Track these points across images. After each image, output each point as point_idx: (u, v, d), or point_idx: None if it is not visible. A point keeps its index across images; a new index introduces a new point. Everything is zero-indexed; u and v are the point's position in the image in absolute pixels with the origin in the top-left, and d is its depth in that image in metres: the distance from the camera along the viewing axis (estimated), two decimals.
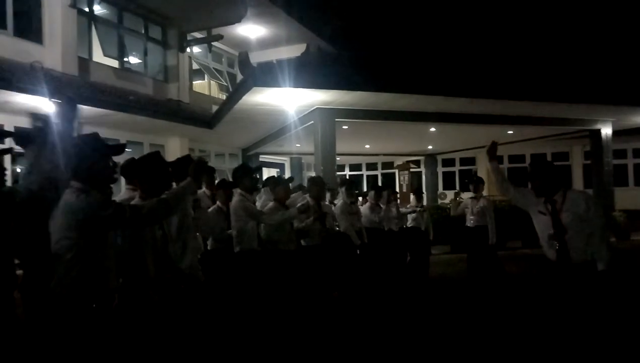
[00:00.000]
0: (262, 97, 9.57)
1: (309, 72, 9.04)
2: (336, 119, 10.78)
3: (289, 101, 9.95)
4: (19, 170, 8.88)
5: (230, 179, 5.47)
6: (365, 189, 17.73)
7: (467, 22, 20.76)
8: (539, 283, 4.41)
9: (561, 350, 3.51)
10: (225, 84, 16.95)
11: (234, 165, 13.90)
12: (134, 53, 13.77)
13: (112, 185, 2.88)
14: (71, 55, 11.08)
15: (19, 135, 2.50)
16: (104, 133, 5.17)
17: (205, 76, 16.81)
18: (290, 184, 6.50)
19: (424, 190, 17.10)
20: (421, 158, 21.69)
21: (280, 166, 20.17)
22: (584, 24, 19.18)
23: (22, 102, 8.82)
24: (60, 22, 10.82)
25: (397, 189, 14.73)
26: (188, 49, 14.91)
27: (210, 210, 5.15)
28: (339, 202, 7.11)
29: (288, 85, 8.54)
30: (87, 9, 12.08)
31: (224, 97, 14.54)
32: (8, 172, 2.49)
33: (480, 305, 6.20)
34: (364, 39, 19.00)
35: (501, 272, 7.42)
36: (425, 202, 9.14)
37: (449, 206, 8.81)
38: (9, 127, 9.03)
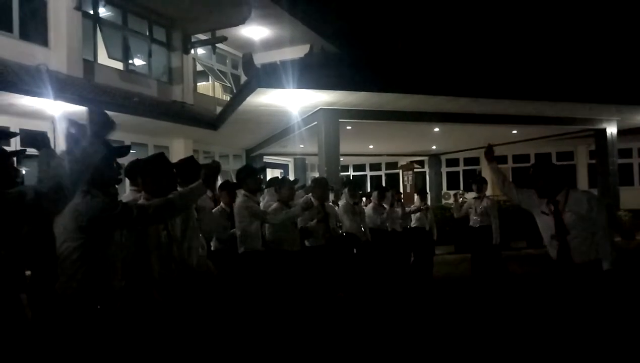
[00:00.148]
0: (266, 98, 9.59)
1: (313, 73, 9.06)
2: (340, 120, 10.79)
3: (293, 102, 9.97)
4: (24, 171, 8.93)
5: (234, 180, 5.48)
6: (369, 190, 17.72)
7: (470, 21, 20.72)
8: (541, 283, 4.41)
9: (564, 349, 3.51)
10: (229, 85, 16.99)
11: (238, 166, 13.95)
12: (138, 55, 13.83)
13: (116, 186, 2.90)
14: (76, 57, 11.16)
15: (25, 137, 2.52)
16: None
17: (210, 78, 16.86)
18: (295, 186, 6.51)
19: (427, 190, 17.10)
20: (425, 158, 21.66)
21: (284, 167, 20.20)
22: (588, 23, 19.11)
23: (28, 105, 8.88)
24: (65, 25, 10.89)
25: (401, 189, 14.71)
26: (192, 51, 14.97)
27: (213, 211, 5.16)
28: (342, 202, 7.13)
29: (292, 86, 8.56)
30: (91, 12, 12.14)
31: (228, 99, 14.56)
32: (22, 173, 2.50)
33: (484, 305, 6.20)
34: (368, 39, 18.99)
35: (505, 272, 7.41)
36: (429, 202, 9.13)
37: (452, 206, 8.79)
38: (14, 130, 9.09)
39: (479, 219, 7.35)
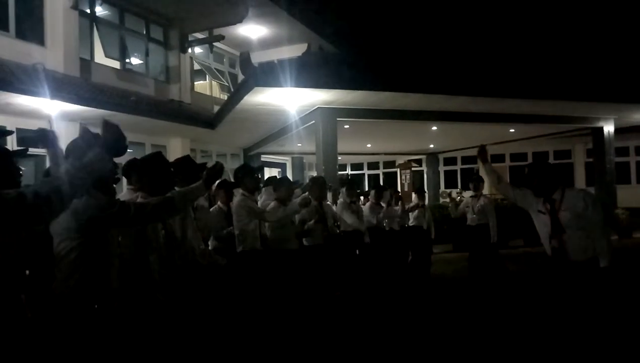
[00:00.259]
0: (264, 97, 9.59)
1: (310, 72, 9.05)
2: (337, 119, 10.79)
3: (291, 101, 9.96)
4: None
5: (232, 179, 5.48)
6: (367, 189, 17.74)
7: (468, 20, 20.75)
8: (539, 281, 4.43)
9: (562, 347, 3.52)
10: (227, 84, 16.97)
11: (235, 165, 13.93)
12: (135, 54, 13.81)
13: (114, 185, 2.90)
14: (73, 56, 11.12)
15: (23, 137, 2.51)
16: None
17: (207, 76, 16.83)
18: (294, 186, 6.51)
19: (425, 189, 17.08)
20: (423, 157, 21.68)
21: (282, 166, 20.19)
22: (585, 21, 19.15)
23: (24, 104, 8.84)
24: (61, 24, 10.85)
25: (399, 188, 14.73)
26: (189, 50, 14.94)
27: (211, 210, 5.16)
28: (339, 201, 7.13)
29: (289, 85, 8.56)
30: (88, 10, 12.11)
31: (226, 98, 14.56)
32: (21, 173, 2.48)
33: (481, 304, 6.21)
34: (365, 38, 19.00)
35: (502, 270, 7.43)
36: (427, 201, 9.15)
37: (449, 205, 8.81)
38: (11, 129, 9.06)
39: (476, 218, 7.37)
